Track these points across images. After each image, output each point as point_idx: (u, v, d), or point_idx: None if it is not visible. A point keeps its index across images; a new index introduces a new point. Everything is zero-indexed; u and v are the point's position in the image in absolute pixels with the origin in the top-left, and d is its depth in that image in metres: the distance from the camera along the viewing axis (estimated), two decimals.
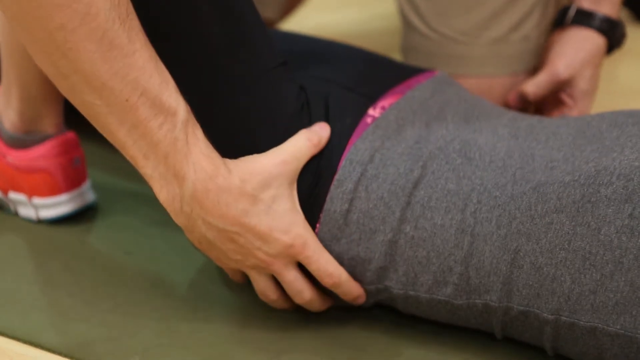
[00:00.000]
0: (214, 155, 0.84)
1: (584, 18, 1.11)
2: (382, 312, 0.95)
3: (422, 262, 0.87)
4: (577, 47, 1.11)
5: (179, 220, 0.86)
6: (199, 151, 0.83)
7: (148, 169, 0.83)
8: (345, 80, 0.95)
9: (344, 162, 0.89)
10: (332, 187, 0.88)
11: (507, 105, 1.14)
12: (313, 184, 0.88)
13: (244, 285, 0.99)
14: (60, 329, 0.94)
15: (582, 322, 0.81)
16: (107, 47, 0.78)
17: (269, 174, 0.85)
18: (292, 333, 0.93)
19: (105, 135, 0.83)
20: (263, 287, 0.90)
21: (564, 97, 1.13)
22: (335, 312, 0.95)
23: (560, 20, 1.13)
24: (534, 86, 1.11)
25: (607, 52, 1.14)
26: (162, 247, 1.07)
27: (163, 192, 0.84)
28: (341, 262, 0.89)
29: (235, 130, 0.89)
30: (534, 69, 1.16)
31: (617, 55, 1.17)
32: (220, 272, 1.02)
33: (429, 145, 0.90)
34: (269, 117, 0.89)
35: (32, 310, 0.97)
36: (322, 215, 0.88)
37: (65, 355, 0.91)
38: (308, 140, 0.88)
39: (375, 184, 0.88)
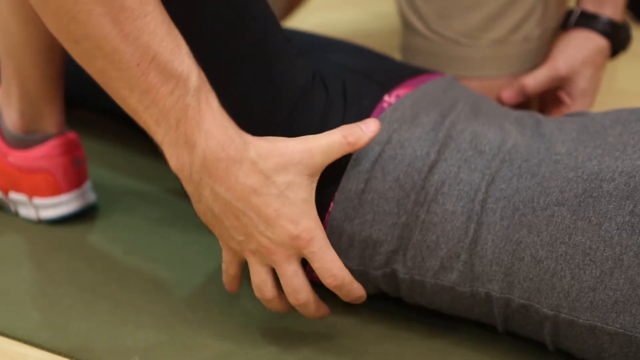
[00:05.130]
0: (229, 125, 0.82)
1: (588, 20, 1.12)
2: (383, 312, 0.95)
3: (430, 246, 0.87)
4: (578, 46, 1.12)
5: (188, 188, 0.84)
6: (211, 119, 0.80)
7: (159, 135, 0.81)
8: (360, 68, 0.95)
9: None
10: (349, 166, 0.88)
11: (501, 100, 1.14)
12: (330, 164, 0.86)
13: (243, 285, 0.99)
14: (60, 329, 0.94)
15: (581, 320, 0.82)
16: (118, 9, 0.76)
17: (290, 159, 0.82)
18: (292, 333, 0.93)
19: (118, 101, 0.81)
20: (260, 280, 0.86)
21: (563, 95, 1.13)
22: (335, 312, 0.95)
23: (566, 23, 1.14)
24: (533, 79, 1.12)
25: (612, 54, 1.14)
26: (162, 247, 1.07)
27: (173, 159, 0.82)
28: (352, 243, 0.89)
29: (247, 104, 0.87)
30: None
31: (618, 56, 1.17)
32: (220, 272, 1.02)
33: (444, 130, 0.90)
34: (279, 88, 0.87)
35: (32, 310, 0.97)
36: (337, 194, 0.88)
37: (65, 355, 0.91)
38: (343, 137, 0.85)
39: (392, 165, 0.88)
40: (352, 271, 0.90)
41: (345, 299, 0.88)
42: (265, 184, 0.82)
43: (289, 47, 0.90)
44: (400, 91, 0.94)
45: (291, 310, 0.90)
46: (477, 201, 0.86)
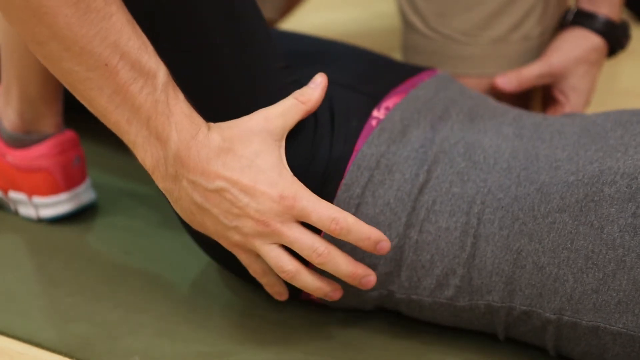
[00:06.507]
0: (195, 115, 0.83)
1: (584, 19, 1.13)
2: (383, 312, 0.95)
3: (425, 265, 0.87)
4: (573, 44, 1.13)
5: (165, 185, 0.84)
6: (180, 111, 0.82)
7: (131, 134, 0.82)
8: (348, 80, 0.94)
9: (351, 167, 0.88)
10: (339, 192, 0.88)
11: (496, 88, 1.13)
12: (319, 189, 0.87)
13: (243, 284, 0.99)
14: (60, 328, 0.94)
15: (584, 322, 0.82)
16: (84, 10, 0.77)
17: (250, 130, 0.84)
18: (292, 333, 0.93)
19: (85, 103, 0.82)
20: (275, 257, 0.84)
21: (556, 93, 1.13)
22: (335, 312, 0.95)
23: (563, 21, 1.15)
24: (526, 70, 1.12)
25: (610, 53, 1.15)
26: (161, 247, 1.07)
27: (148, 157, 0.83)
28: None
29: None
30: None
31: (619, 55, 1.18)
32: (220, 271, 1.02)
33: (434, 147, 0.89)
34: None
35: (32, 310, 0.97)
36: None
37: (65, 355, 0.91)
38: (295, 98, 0.86)
39: (382, 190, 0.88)
40: (347, 292, 0.90)
41: (362, 244, 0.84)
42: (235, 159, 0.83)
43: (283, 76, 0.90)
44: (390, 102, 0.93)
45: (326, 284, 0.86)
46: (472, 214, 0.86)
